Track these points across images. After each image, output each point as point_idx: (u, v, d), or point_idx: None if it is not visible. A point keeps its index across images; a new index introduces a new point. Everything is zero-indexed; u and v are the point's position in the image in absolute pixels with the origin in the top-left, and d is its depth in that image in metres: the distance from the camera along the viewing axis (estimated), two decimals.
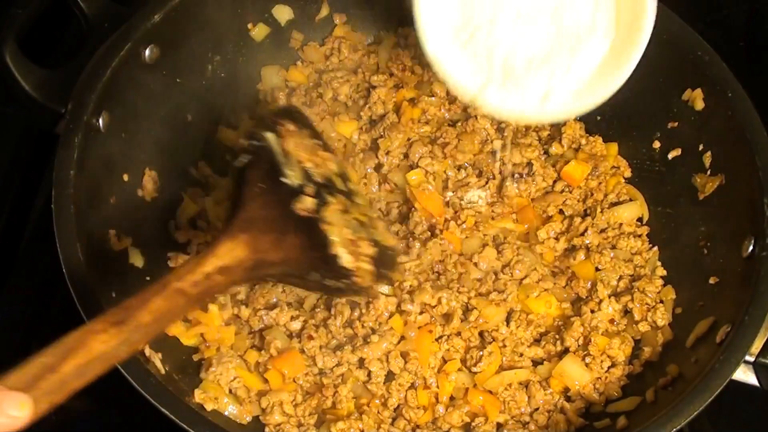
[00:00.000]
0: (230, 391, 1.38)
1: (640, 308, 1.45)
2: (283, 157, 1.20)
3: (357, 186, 1.30)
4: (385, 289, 1.47)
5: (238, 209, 1.19)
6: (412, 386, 1.40)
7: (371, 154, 1.64)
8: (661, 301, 1.46)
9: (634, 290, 1.47)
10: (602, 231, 1.56)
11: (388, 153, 1.63)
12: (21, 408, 0.80)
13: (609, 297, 1.47)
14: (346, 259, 1.15)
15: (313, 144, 1.28)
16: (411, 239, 1.53)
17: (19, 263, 1.65)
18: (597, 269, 1.51)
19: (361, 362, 1.41)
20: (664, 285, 1.48)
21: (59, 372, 0.88)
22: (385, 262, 1.22)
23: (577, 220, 1.56)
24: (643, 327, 1.44)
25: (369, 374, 1.40)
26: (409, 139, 1.63)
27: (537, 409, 1.39)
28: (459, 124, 1.66)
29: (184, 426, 1.15)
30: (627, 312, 1.47)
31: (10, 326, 1.58)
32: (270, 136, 1.22)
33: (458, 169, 1.62)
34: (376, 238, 1.21)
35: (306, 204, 1.16)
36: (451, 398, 1.40)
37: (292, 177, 1.18)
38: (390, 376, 1.41)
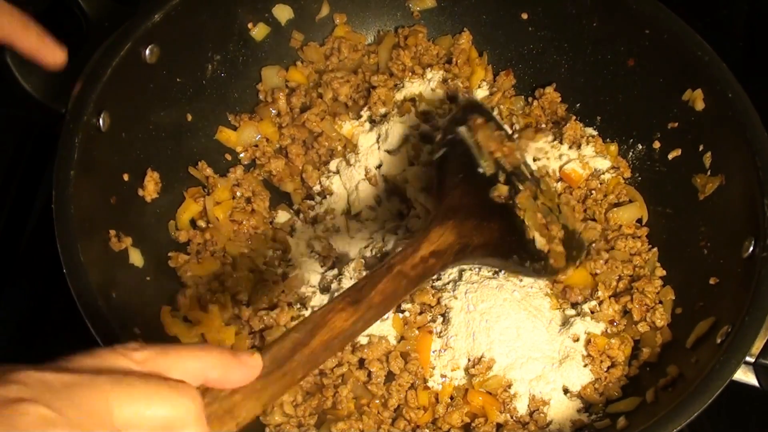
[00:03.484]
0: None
1: (639, 309, 1.45)
2: (476, 148, 1.35)
3: (533, 171, 1.42)
4: None
5: (443, 197, 1.31)
6: (412, 386, 1.40)
7: (372, 153, 1.64)
8: (660, 302, 1.46)
9: (634, 291, 1.47)
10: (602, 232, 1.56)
11: (388, 152, 1.64)
12: (255, 358, 0.89)
13: (609, 298, 1.47)
14: (540, 242, 1.29)
15: (500, 135, 1.40)
16: (411, 238, 1.53)
17: (19, 263, 1.66)
18: (595, 274, 1.51)
19: (361, 362, 1.41)
20: (664, 285, 1.48)
21: (309, 346, 0.96)
22: (573, 244, 1.34)
23: None
24: (643, 328, 1.44)
25: (369, 374, 1.41)
26: (408, 138, 1.63)
27: (536, 409, 1.39)
28: None
29: None
30: (626, 312, 1.47)
31: (10, 326, 1.58)
32: (462, 130, 1.36)
33: None
34: (563, 221, 1.33)
35: (501, 191, 1.30)
36: (451, 398, 1.40)
37: (486, 167, 1.33)
38: (390, 377, 1.41)
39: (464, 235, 1.23)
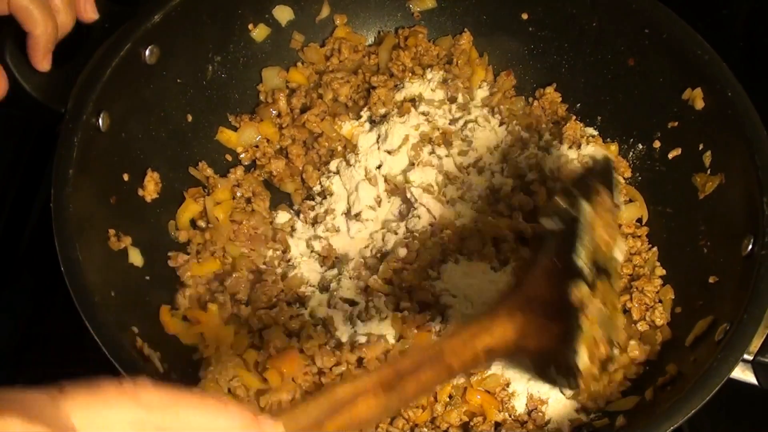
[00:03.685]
0: (229, 390, 1.38)
1: (639, 308, 1.45)
2: (587, 232, 1.10)
3: (617, 266, 1.18)
4: (384, 288, 1.47)
5: (526, 282, 1.11)
6: None
7: (372, 154, 1.64)
8: (660, 301, 1.46)
9: (633, 290, 1.47)
10: None
11: (388, 152, 1.64)
12: (277, 428, 0.78)
13: None
14: (584, 362, 1.06)
15: (613, 221, 1.17)
16: (411, 238, 1.53)
17: (19, 263, 1.66)
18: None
19: (360, 361, 1.41)
20: (663, 284, 1.48)
21: (321, 430, 0.85)
22: (606, 364, 1.12)
23: None
24: (642, 326, 1.44)
25: None
26: (408, 138, 1.63)
27: (535, 408, 1.39)
28: (459, 122, 1.66)
29: None
30: (626, 311, 1.47)
31: (9, 326, 1.59)
32: (587, 209, 1.12)
33: (458, 169, 1.62)
34: (612, 337, 1.11)
35: (583, 293, 1.07)
36: (450, 397, 1.40)
37: (582, 258, 1.08)
38: None
39: (526, 335, 1.06)
